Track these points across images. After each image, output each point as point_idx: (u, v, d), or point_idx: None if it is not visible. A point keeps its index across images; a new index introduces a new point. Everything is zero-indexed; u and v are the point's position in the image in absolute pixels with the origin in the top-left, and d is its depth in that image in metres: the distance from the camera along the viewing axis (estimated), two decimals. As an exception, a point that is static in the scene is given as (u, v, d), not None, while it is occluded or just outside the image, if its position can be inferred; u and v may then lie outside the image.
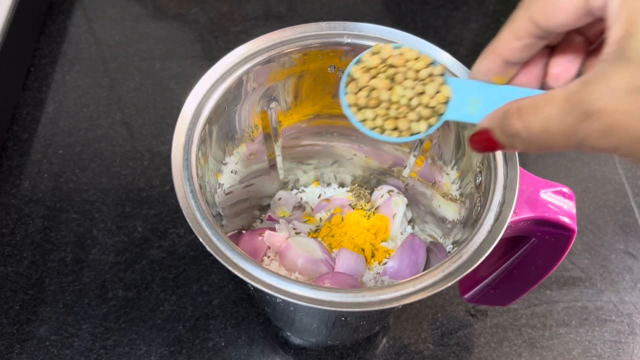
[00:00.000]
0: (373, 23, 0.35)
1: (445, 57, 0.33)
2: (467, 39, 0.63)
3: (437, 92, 0.27)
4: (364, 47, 0.34)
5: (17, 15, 0.55)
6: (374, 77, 0.27)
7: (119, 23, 0.62)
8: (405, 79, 0.27)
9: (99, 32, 0.62)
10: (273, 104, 0.38)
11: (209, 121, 0.33)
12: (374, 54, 0.28)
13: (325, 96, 0.38)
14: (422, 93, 0.27)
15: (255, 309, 0.45)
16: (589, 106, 0.19)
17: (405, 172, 0.43)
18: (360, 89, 0.27)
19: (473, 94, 0.26)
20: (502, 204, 0.30)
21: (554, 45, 0.26)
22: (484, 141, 0.25)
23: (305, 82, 0.37)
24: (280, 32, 0.35)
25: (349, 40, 0.34)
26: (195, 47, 0.61)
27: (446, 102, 0.27)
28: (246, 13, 0.64)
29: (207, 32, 0.62)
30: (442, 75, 0.27)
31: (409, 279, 0.28)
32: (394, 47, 0.27)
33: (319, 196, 0.47)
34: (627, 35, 0.18)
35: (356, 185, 0.47)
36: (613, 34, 0.19)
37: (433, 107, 0.27)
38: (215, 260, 0.27)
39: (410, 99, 0.27)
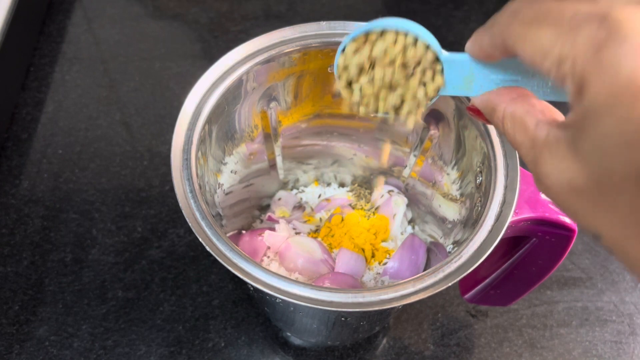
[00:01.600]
0: (373, 22, 0.35)
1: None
2: (467, 38, 0.63)
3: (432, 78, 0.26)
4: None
5: (16, 15, 0.55)
6: (365, 72, 0.27)
7: (119, 23, 0.62)
8: (394, 75, 0.26)
9: (98, 32, 0.62)
10: (273, 104, 0.38)
11: (209, 121, 0.33)
12: (362, 43, 0.27)
13: (325, 96, 0.38)
14: (412, 79, 0.26)
15: (255, 309, 0.44)
16: (540, 177, 0.19)
17: (406, 172, 0.43)
18: (350, 83, 0.27)
19: (466, 71, 0.26)
20: (503, 203, 0.30)
21: None
22: (479, 116, 0.25)
23: (305, 82, 0.37)
24: (280, 31, 0.35)
25: (349, 40, 0.34)
26: (195, 47, 0.61)
27: (437, 90, 0.26)
28: (246, 13, 0.64)
29: (207, 32, 0.62)
30: (436, 60, 0.27)
31: (409, 279, 0.27)
32: (379, 30, 0.26)
33: (319, 196, 0.47)
34: (580, 130, 0.17)
35: (356, 185, 0.47)
36: (572, 112, 0.17)
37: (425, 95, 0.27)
38: (215, 260, 0.27)
39: (401, 103, 0.27)
